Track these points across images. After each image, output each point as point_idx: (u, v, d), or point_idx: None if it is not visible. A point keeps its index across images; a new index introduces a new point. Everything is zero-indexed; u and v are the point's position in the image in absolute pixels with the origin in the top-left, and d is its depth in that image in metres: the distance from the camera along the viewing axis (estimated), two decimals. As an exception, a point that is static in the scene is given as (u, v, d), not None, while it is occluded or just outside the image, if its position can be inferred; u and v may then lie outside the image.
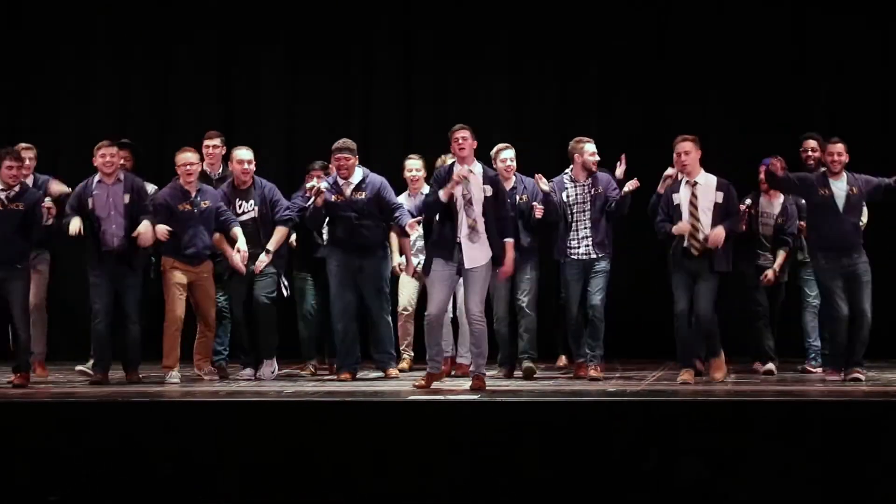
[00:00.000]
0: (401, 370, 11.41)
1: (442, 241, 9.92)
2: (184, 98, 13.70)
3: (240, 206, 10.95)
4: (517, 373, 11.01)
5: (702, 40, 13.22)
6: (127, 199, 10.58)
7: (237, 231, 10.77)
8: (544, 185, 10.72)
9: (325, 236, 11.20)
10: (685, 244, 10.28)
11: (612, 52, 13.34)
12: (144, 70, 13.77)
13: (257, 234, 10.90)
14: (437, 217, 9.92)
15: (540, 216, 10.76)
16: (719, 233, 10.20)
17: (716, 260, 10.22)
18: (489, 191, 9.94)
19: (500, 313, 10.90)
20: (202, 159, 11.19)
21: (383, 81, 13.66)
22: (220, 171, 11.46)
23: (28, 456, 8.40)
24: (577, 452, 8.20)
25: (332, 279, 10.91)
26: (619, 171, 10.78)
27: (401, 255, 11.32)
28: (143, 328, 10.85)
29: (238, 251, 10.69)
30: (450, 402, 9.17)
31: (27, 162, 10.89)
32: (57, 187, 10.99)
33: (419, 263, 11.00)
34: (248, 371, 10.98)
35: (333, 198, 10.83)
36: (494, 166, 10.81)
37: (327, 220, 10.99)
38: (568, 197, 10.82)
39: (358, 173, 10.90)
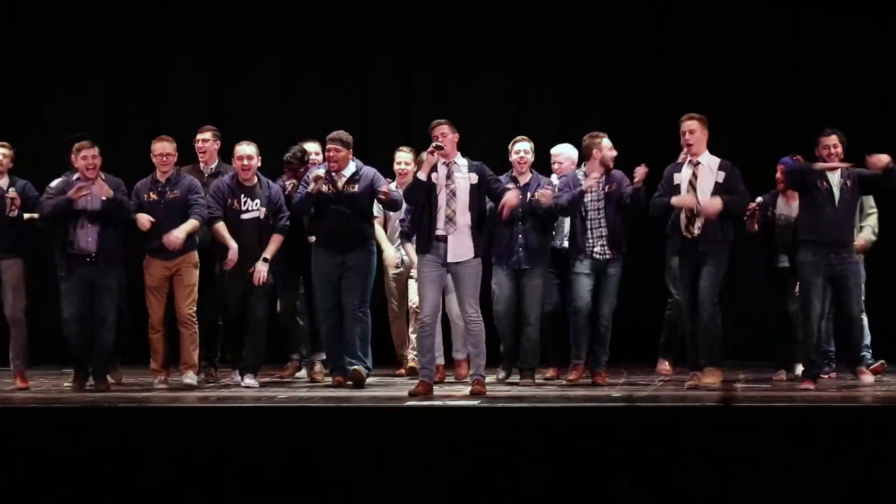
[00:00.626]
0: (399, 375, 11.34)
1: (419, 234, 9.86)
2: (183, 98, 13.64)
3: (244, 203, 10.66)
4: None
5: (702, 40, 13.17)
6: (104, 198, 10.35)
7: (193, 222, 10.49)
8: (546, 200, 10.52)
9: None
10: (682, 229, 10.10)
11: (612, 51, 13.29)
12: (143, 70, 13.72)
13: (258, 234, 10.64)
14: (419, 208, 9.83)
15: (546, 203, 10.53)
16: (714, 201, 10.01)
17: (713, 242, 10.02)
18: (474, 178, 9.84)
19: (533, 317, 10.69)
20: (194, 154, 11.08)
21: (383, 81, 13.60)
22: (215, 166, 11.22)
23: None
24: (580, 458, 8.03)
25: (316, 278, 10.65)
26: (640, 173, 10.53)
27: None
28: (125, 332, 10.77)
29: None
30: (449, 407, 9.03)
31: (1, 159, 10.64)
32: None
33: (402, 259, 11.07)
34: (234, 376, 10.75)
35: (325, 188, 10.55)
36: (511, 159, 10.78)
37: (313, 213, 10.69)
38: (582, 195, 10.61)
39: (351, 166, 10.65)
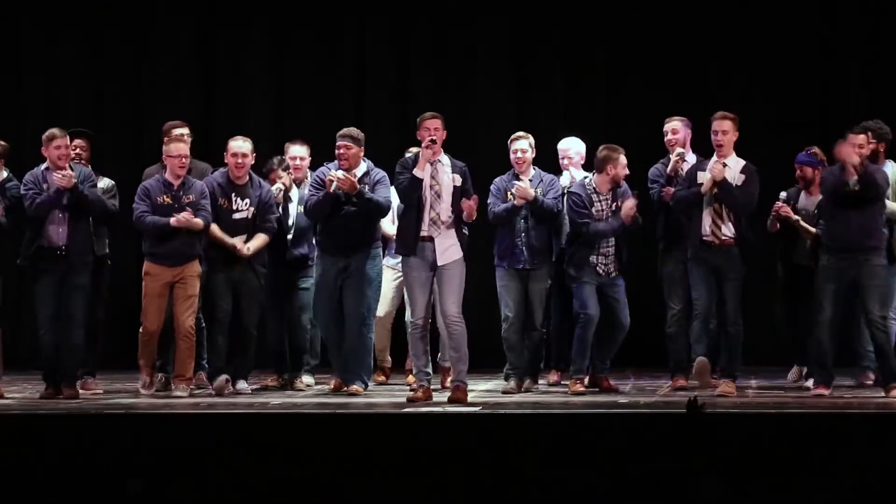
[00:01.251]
0: (380, 383, 11.07)
1: (403, 236, 9.69)
2: (162, 88, 13.43)
3: (235, 203, 10.34)
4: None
5: (719, 25, 13.03)
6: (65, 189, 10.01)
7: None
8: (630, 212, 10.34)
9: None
10: (705, 235, 9.96)
11: (621, 42, 13.12)
12: (118, 57, 13.51)
13: (249, 236, 10.31)
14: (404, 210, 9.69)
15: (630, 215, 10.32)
16: (718, 166, 9.94)
17: (741, 251, 9.97)
18: (458, 180, 9.66)
19: (537, 320, 10.47)
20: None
21: (377, 70, 13.41)
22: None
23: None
24: (584, 465, 7.97)
25: (319, 283, 10.41)
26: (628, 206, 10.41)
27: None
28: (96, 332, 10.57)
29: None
30: (449, 413, 8.92)
31: None
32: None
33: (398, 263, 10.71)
34: (242, 383, 10.45)
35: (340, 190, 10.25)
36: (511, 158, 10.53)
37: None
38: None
39: (362, 166, 10.35)
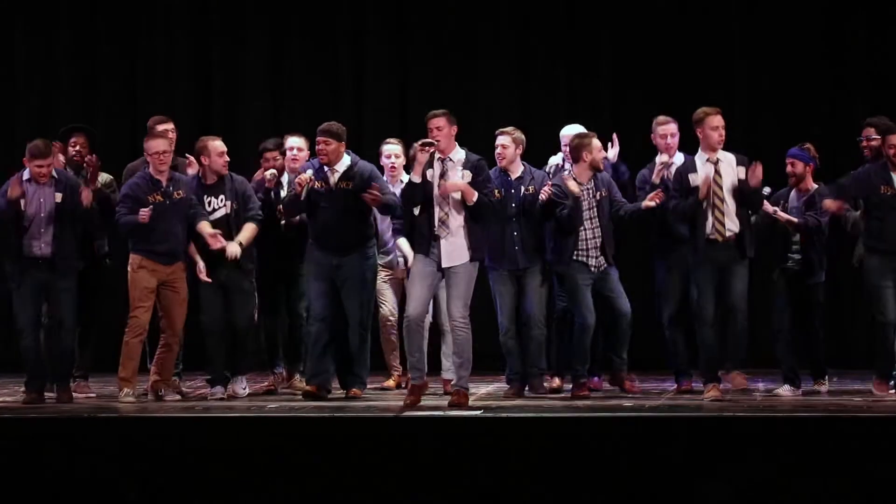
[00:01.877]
0: (386, 388, 10.88)
1: (417, 234, 9.57)
2: (159, 87, 13.36)
3: (209, 204, 10.22)
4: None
5: (724, 24, 12.97)
6: (59, 198, 9.93)
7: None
8: (573, 186, 10.09)
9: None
10: (709, 233, 9.80)
11: (625, 39, 13.03)
12: (111, 53, 13.45)
13: (230, 232, 10.17)
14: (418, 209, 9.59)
15: (545, 199, 10.13)
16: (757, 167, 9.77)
17: (747, 243, 9.80)
18: (468, 176, 9.51)
19: (536, 320, 10.33)
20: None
21: (376, 62, 13.31)
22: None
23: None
24: (586, 470, 8.00)
25: (310, 277, 10.28)
26: (612, 153, 10.41)
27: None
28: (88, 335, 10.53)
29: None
30: (450, 417, 8.86)
31: None
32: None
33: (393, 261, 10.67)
34: (219, 389, 10.30)
35: (317, 185, 10.10)
36: None
37: (308, 211, 10.28)
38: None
39: (345, 161, 10.20)
